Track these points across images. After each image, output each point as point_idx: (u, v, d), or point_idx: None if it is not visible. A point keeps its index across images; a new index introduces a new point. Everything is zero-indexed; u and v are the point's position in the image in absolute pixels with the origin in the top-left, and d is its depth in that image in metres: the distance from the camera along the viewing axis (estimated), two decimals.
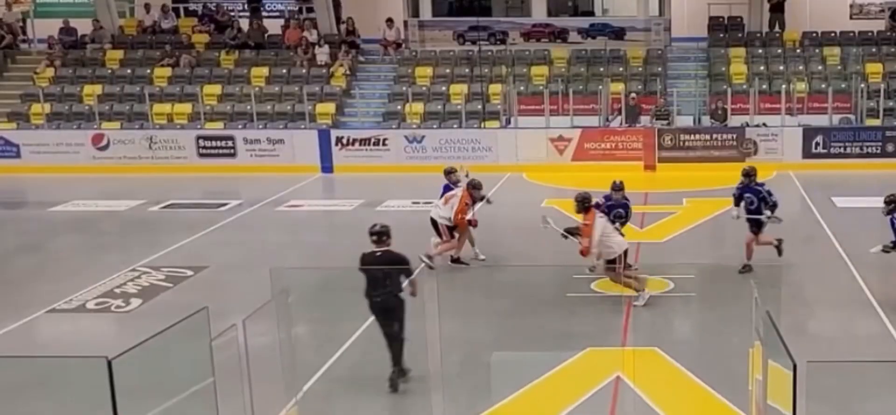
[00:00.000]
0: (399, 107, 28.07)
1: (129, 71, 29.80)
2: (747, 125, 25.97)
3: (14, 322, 13.73)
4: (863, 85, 27.02)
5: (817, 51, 29.93)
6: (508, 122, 27.15)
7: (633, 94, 27.20)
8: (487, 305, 13.98)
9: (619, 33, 31.80)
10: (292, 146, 26.39)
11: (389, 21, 31.32)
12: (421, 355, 10.37)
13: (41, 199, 23.01)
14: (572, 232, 14.35)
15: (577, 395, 10.72)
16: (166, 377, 9.84)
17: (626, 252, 14.03)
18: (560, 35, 31.99)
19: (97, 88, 28.78)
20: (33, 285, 15.66)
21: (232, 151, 26.49)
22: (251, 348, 11.22)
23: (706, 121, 27.02)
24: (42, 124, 27.80)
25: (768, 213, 15.46)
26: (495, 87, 28.23)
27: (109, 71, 29.90)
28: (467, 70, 29.34)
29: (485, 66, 29.29)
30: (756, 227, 15.55)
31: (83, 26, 32.03)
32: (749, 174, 15.88)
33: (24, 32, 32.94)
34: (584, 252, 13.87)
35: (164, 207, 21.72)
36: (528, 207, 19.87)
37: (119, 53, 30.60)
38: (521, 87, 28.14)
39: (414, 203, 21.09)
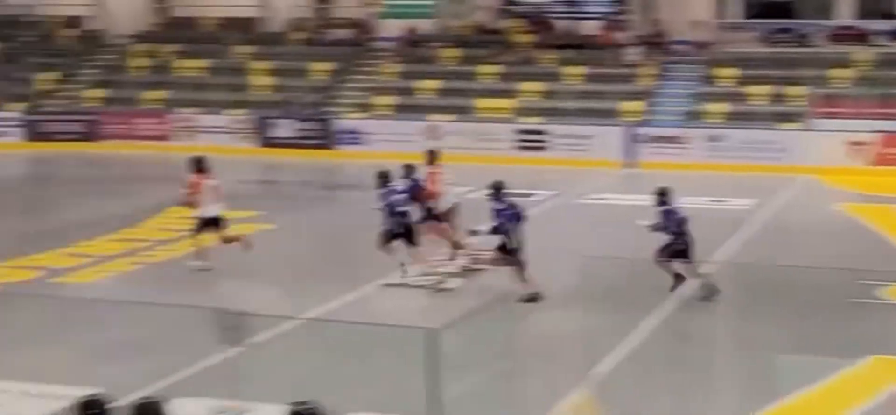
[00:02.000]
0: (702, 106, 27.61)
1: (460, 68, 30.57)
2: None
3: (351, 293, 14.41)
4: None
5: None
6: (807, 124, 26.26)
7: None
8: (769, 306, 13.45)
9: None
10: (599, 142, 26.44)
11: (697, 23, 30.79)
12: (705, 347, 10.23)
13: None
14: None
15: (858, 404, 10.14)
16: (478, 353, 10.21)
17: None
18: (863, 38, 30.47)
19: (433, 84, 29.74)
20: (369, 261, 16.37)
21: (544, 144, 26.81)
22: (554, 332, 11.47)
23: None
24: (384, 115, 28.96)
25: None
26: (795, 90, 27.28)
27: (444, 68, 30.81)
28: (769, 71, 28.44)
29: (786, 68, 28.36)
30: None
31: (426, 26, 33.05)
32: None
33: (374, 31, 34.21)
34: None
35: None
36: (820, 211, 19.19)
37: (454, 52, 31.39)
38: (822, 90, 27.06)
39: (712, 201, 20.73)
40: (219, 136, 28.87)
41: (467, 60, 30.86)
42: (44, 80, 31.68)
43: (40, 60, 32.14)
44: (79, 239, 17.48)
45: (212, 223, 16.00)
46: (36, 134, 29.74)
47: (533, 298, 13.63)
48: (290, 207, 21.77)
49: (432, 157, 17.30)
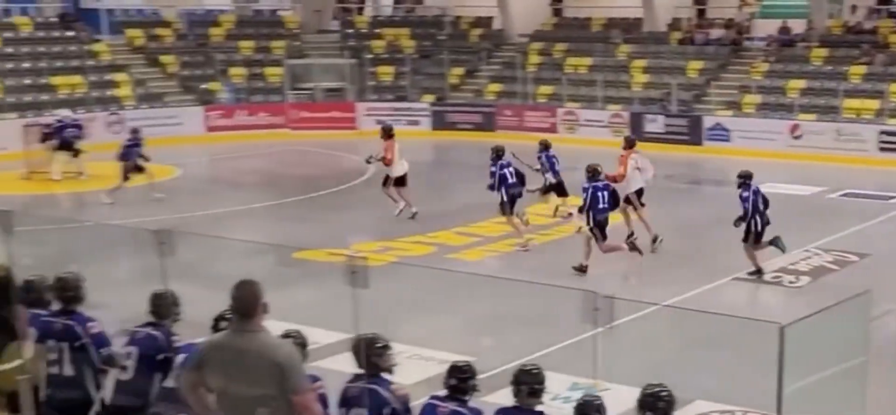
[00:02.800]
0: None
1: (829, 68, 29.39)
2: None
3: (704, 285, 14.51)
4: None
5: None
6: None
7: None
8: None
9: None
10: None
11: None
12: None
13: None
14: None
15: None
16: (823, 351, 10.07)
17: None
18: None
19: (800, 83, 28.78)
20: (722, 255, 16.35)
21: None
22: None
23: None
24: (751, 113, 28.40)
25: None
26: None
27: (812, 67, 29.70)
28: None
29: None
30: None
31: (798, 26, 32.06)
32: None
33: (749, 31, 33.56)
34: None
35: (842, 195, 21.37)
36: None
37: (823, 51, 30.15)
38: None
39: None
40: (597, 130, 29.45)
41: (837, 60, 29.59)
42: (452, 74, 33.44)
43: (451, 57, 33.80)
44: (469, 220, 18.49)
45: (400, 181, 18.64)
46: (442, 123, 31.60)
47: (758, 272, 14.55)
48: (654, 199, 21.88)
49: (628, 143, 17.98)
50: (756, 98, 28.68)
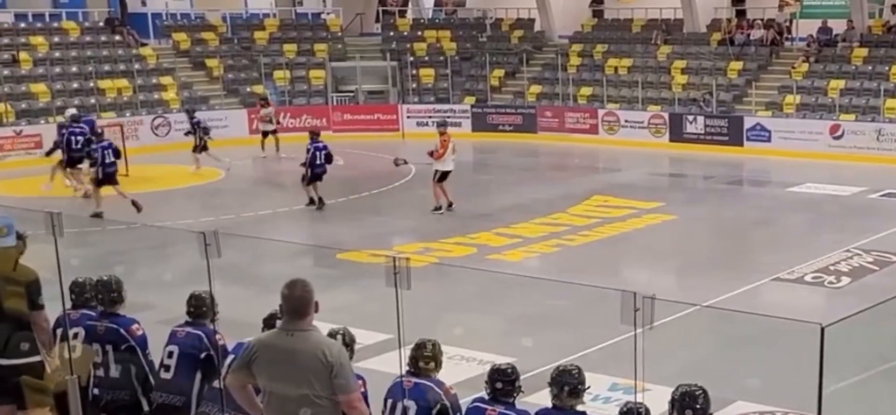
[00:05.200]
0: None
1: (869, 67, 29.00)
2: None
3: (743, 286, 14.30)
4: None
5: None
6: None
7: None
8: None
9: None
10: None
11: None
12: None
13: (783, 179, 23.18)
14: None
15: None
16: (864, 352, 9.97)
17: None
18: None
19: (840, 83, 28.37)
20: (762, 255, 16.24)
21: None
22: None
23: None
24: (791, 113, 28.12)
25: None
26: None
27: (853, 67, 29.31)
28: None
29: None
30: None
31: (838, 26, 31.69)
32: None
33: (789, 31, 33.22)
34: None
35: (883, 195, 21.04)
36: None
37: (863, 51, 29.71)
38: None
39: None
40: (637, 131, 29.27)
41: (877, 60, 29.18)
42: (493, 76, 33.39)
43: (492, 59, 33.70)
44: (511, 221, 18.47)
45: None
46: (483, 125, 31.60)
47: None
48: (693, 200, 21.81)
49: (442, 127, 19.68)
50: (796, 98, 28.36)
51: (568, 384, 6.38)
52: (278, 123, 28.07)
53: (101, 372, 7.41)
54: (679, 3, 33.28)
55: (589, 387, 6.49)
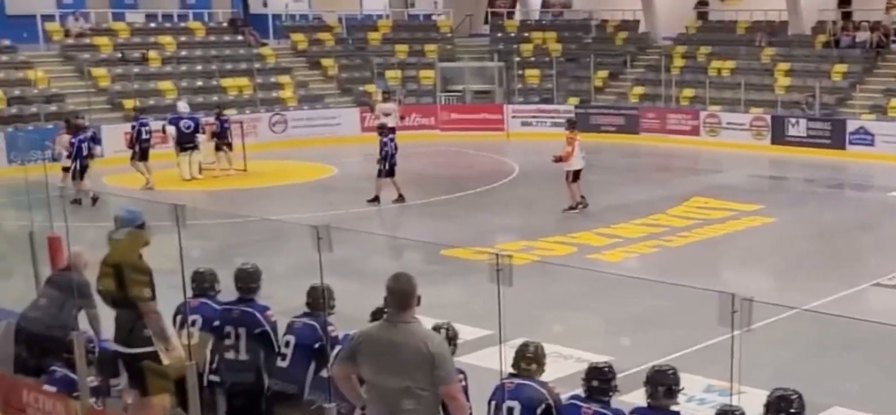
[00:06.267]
0: None
1: None
2: None
3: (843, 290, 13.82)
4: None
5: None
6: None
7: None
8: None
9: None
10: None
11: None
12: None
13: (885, 183, 22.55)
14: None
15: None
16: None
17: None
18: None
19: None
20: (862, 260, 15.82)
21: None
22: None
23: None
24: (894, 117, 27.32)
25: None
26: None
27: None
28: None
29: None
30: None
31: None
32: None
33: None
34: None
35: None
36: None
37: None
38: None
39: None
40: (739, 133, 28.73)
41: None
42: (597, 77, 33.15)
43: (596, 60, 33.38)
44: (611, 221, 18.32)
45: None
46: (586, 125, 31.25)
47: None
48: (793, 203, 21.32)
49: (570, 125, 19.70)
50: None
51: (662, 384, 6.36)
52: (400, 120, 26.95)
53: (230, 355, 7.60)
54: (784, 5, 32.56)
55: (683, 388, 6.46)
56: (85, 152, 19.95)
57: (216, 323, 7.68)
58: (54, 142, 21.31)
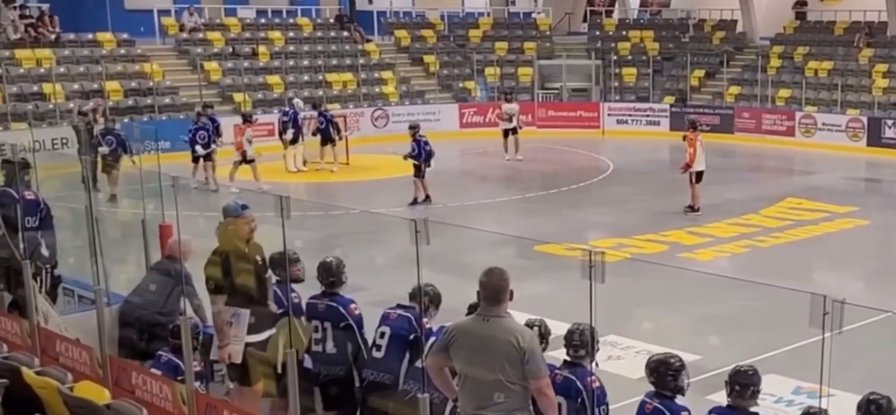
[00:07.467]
0: None
1: None
2: None
3: None
4: None
5: None
6: None
7: None
8: None
9: None
10: None
11: None
12: None
13: None
14: None
15: None
16: None
17: None
18: None
19: None
20: None
21: None
22: None
23: None
24: None
25: None
26: None
27: None
28: None
29: None
30: None
31: None
32: None
33: None
34: None
35: None
36: None
37: None
38: None
39: None
40: (834, 134, 27.98)
41: None
42: (693, 76, 32.61)
43: (693, 59, 32.91)
44: (703, 220, 18.05)
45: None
46: (680, 124, 30.52)
47: None
48: (889, 205, 20.72)
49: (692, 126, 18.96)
50: None
51: (741, 384, 6.25)
52: (520, 123, 26.10)
53: (318, 347, 7.68)
54: (884, 6, 31.57)
55: (761, 389, 6.33)
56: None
57: (302, 318, 7.69)
58: (237, 134, 21.75)
